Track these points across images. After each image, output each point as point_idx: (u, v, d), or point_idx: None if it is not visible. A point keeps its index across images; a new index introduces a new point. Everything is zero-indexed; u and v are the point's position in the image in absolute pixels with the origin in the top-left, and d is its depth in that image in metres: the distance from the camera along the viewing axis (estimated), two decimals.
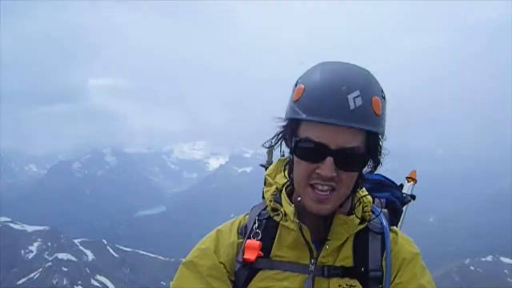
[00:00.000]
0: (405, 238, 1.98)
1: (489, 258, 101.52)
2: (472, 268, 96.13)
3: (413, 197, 2.58)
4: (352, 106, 1.65)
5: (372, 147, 1.76)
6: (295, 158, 1.77)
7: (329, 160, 1.67)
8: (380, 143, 1.80)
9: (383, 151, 1.83)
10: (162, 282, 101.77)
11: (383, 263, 1.86)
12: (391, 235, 1.94)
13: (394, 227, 2.03)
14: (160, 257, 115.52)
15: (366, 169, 1.84)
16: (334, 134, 1.66)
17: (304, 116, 1.69)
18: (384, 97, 1.77)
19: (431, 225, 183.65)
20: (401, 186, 2.54)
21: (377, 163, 1.84)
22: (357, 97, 1.66)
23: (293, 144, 1.77)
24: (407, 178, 2.72)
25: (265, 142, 1.93)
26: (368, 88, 1.71)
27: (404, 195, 2.46)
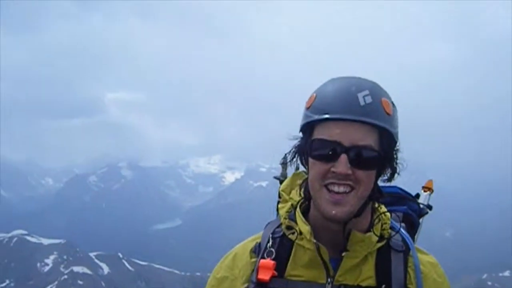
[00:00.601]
0: (431, 261, 1.94)
1: (507, 273, 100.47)
2: (489, 283, 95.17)
3: (429, 207, 2.54)
4: (362, 103, 1.68)
5: (386, 148, 1.75)
6: (310, 161, 1.77)
7: (344, 157, 1.67)
8: (395, 146, 1.80)
9: (399, 160, 1.82)
10: None
11: (409, 284, 1.83)
12: (418, 254, 1.91)
13: (418, 246, 1.99)
14: (176, 271, 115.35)
15: (383, 177, 1.83)
16: (347, 131, 1.68)
17: (315, 117, 1.73)
18: (395, 106, 1.80)
19: (447, 240, 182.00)
20: (417, 195, 2.52)
21: (393, 169, 1.83)
22: (366, 95, 1.69)
23: (307, 147, 1.78)
24: (424, 187, 2.66)
25: (282, 159, 1.99)
26: (377, 90, 1.75)
27: (421, 206, 2.41)
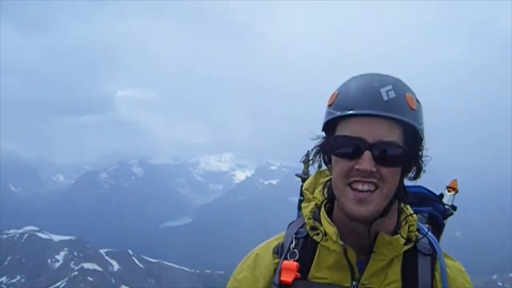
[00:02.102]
0: (458, 267, 1.90)
1: None
2: (500, 283, 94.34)
3: (454, 208, 2.49)
4: (385, 98, 1.64)
5: (411, 144, 1.70)
6: (333, 158, 1.73)
7: (367, 153, 1.63)
8: (421, 143, 1.76)
9: (424, 156, 1.78)
10: None
11: None
12: (445, 260, 1.86)
13: (444, 251, 1.93)
14: (185, 268, 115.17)
15: (408, 175, 1.78)
16: (370, 127, 1.64)
17: (338, 113, 1.69)
18: (418, 101, 1.75)
19: (458, 240, 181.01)
20: (441, 196, 2.45)
21: (419, 167, 1.78)
22: (389, 90, 1.66)
23: (329, 144, 1.74)
24: (448, 187, 2.62)
25: (304, 156, 1.94)
26: (401, 85, 1.71)
27: (446, 207, 2.37)
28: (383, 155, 1.64)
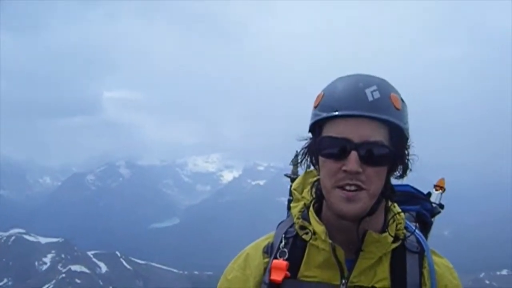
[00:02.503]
0: (446, 264, 1.92)
1: (505, 272, 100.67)
2: (487, 282, 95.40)
3: (441, 206, 2.50)
4: (370, 98, 1.65)
5: (397, 144, 1.72)
6: (320, 159, 1.74)
7: (354, 154, 1.63)
8: (407, 142, 1.77)
9: (410, 155, 1.79)
10: None
11: (423, 286, 1.80)
12: (433, 257, 1.88)
13: (433, 249, 1.95)
14: (174, 270, 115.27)
15: (395, 174, 1.80)
16: (356, 127, 1.65)
17: (324, 114, 1.70)
18: (404, 102, 1.77)
19: (445, 238, 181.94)
20: (429, 194, 2.47)
21: (405, 166, 1.79)
22: (374, 90, 1.67)
23: (316, 146, 1.76)
24: (435, 186, 2.62)
25: (293, 158, 1.96)
26: (385, 85, 1.73)
27: (433, 205, 2.38)
28: (369, 155, 1.64)
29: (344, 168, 1.64)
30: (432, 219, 2.32)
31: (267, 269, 1.85)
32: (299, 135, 1.85)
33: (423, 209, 2.24)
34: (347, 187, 1.65)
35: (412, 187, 2.29)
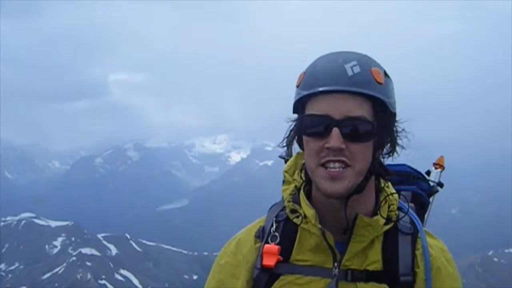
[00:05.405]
0: (440, 245, 1.87)
1: None
2: (495, 259, 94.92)
3: (440, 185, 2.46)
4: (350, 73, 1.62)
5: (382, 119, 1.68)
6: (304, 139, 1.72)
7: (335, 130, 1.60)
8: (393, 117, 1.73)
9: (399, 130, 1.76)
10: (185, 276, 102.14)
11: (416, 268, 1.77)
12: (427, 238, 1.84)
13: (426, 229, 1.90)
14: (183, 251, 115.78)
15: (384, 151, 1.77)
16: (337, 103, 1.62)
17: (304, 93, 1.68)
18: (388, 77, 1.73)
19: (453, 217, 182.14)
20: (428, 173, 2.45)
21: (393, 141, 1.76)
22: (354, 65, 1.63)
23: (299, 125, 1.75)
24: (435, 164, 2.59)
25: (281, 141, 1.91)
26: (366, 60, 1.69)
27: (432, 184, 2.34)
28: (351, 131, 1.61)
29: (326, 145, 1.61)
30: (430, 199, 2.28)
31: (258, 254, 1.83)
32: (288, 117, 1.83)
33: (419, 188, 2.21)
34: (331, 165, 1.62)
35: (409, 167, 2.25)
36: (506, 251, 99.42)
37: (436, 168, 2.58)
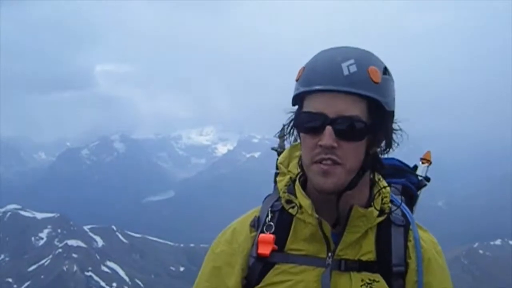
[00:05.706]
0: (431, 238, 1.93)
1: (498, 241, 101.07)
2: (481, 251, 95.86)
3: (427, 179, 2.47)
4: (346, 72, 1.63)
5: (376, 118, 1.69)
6: (301, 135, 1.75)
7: (328, 129, 1.63)
8: (390, 116, 1.75)
9: (396, 129, 1.78)
10: (171, 267, 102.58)
11: (408, 259, 1.81)
12: (419, 231, 1.89)
13: (418, 223, 1.95)
14: (169, 243, 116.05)
15: (379, 149, 1.79)
16: (332, 102, 1.64)
17: (302, 89, 1.70)
18: (388, 74, 1.74)
19: (439, 209, 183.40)
20: (415, 167, 2.45)
21: (388, 140, 1.78)
22: (351, 64, 1.65)
23: (296, 121, 1.78)
24: (422, 159, 2.58)
25: (279, 132, 1.96)
26: (365, 58, 1.70)
27: (419, 178, 2.37)
28: (344, 130, 1.64)
29: (319, 142, 1.64)
30: (418, 192, 2.31)
31: (254, 243, 1.85)
32: (287, 107, 1.84)
33: (408, 182, 2.23)
34: (324, 162, 1.65)
35: (398, 160, 2.28)
36: (492, 243, 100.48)
37: (423, 163, 2.59)
